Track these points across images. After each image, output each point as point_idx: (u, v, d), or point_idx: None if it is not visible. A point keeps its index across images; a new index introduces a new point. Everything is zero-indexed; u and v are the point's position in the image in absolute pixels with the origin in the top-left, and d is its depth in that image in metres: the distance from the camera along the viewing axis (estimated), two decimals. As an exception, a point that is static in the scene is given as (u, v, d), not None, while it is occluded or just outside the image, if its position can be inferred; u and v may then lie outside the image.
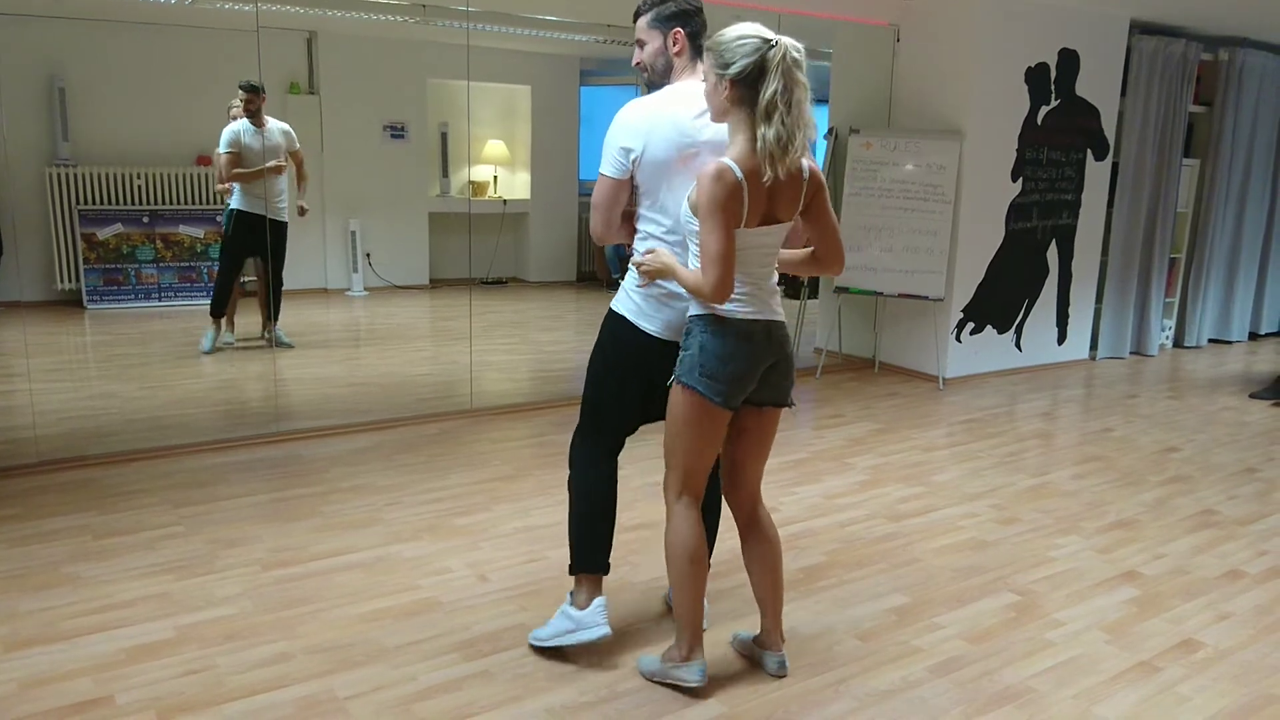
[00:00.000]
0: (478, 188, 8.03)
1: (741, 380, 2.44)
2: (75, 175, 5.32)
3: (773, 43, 2.25)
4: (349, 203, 6.64)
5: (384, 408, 5.18)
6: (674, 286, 2.52)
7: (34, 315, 5.36)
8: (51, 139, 5.24)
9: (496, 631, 2.89)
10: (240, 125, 5.39)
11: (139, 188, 5.50)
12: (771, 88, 2.23)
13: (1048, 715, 2.54)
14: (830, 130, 6.79)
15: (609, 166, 2.52)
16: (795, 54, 2.26)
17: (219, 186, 5.50)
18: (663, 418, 2.67)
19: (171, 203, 5.59)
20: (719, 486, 2.74)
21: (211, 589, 3.11)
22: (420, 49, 6.95)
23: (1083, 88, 6.61)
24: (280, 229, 5.53)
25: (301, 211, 5.70)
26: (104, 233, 5.45)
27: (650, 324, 2.58)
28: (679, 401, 2.47)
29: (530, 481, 4.17)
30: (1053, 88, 6.45)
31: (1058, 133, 6.55)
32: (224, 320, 5.68)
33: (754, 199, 2.30)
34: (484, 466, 4.38)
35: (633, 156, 2.49)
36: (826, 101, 7.00)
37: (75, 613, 2.92)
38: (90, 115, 5.31)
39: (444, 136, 7.59)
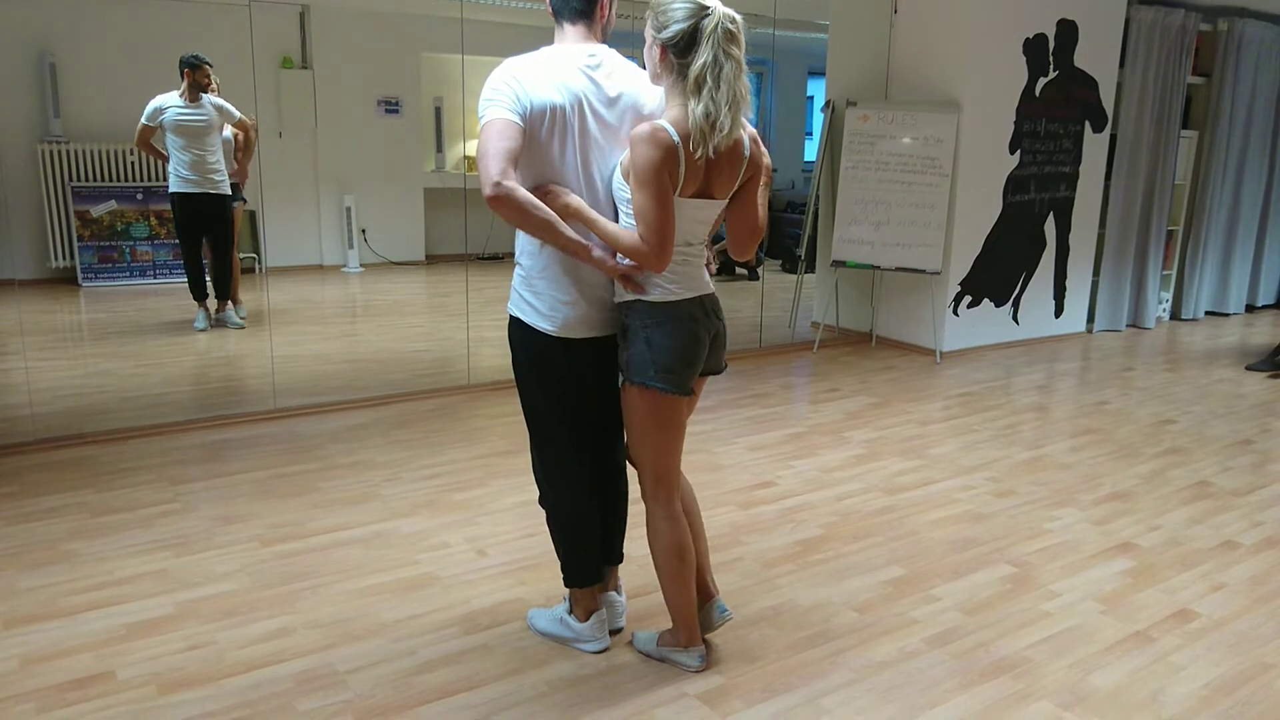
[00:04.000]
0: (473, 163, 7.99)
1: (694, 363, 2.40)
2: (67, 152, 5.28)
3: (708, 11, 2.18)
4: (343, 178, 6.61)
5: (381, 384, 5.18)
6: (559, 267, 2.37)
7: (28, 293, 5.34)
8: (43, 116, 5.21)
9: (495, 605, 2.90)
10: (166, 99, 5.27)
11: (132, 164, 5.47)
12: (701, 60, 2.17)
13: (1043, 685, 2.56)
14: (827, 103, 6.75)
15: None
16: (730, 25, 2.18)
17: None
18: (599, 413, 2.59)
19: (165, 179, 5.55)
20: (620, 458, 2.67)
21: (210, 565, 3.12)
22: (414, 23, 6.91)
23: (1081, 59, 6.57)
24: (220, 202, 5.45)
25: (235, 190, 5.56)
26: (97, 210, 5.42)
27: (549, 324, 2.41)
28: (639, 404, 2.40)
29: (527, 457, 4.16)
30: (1051, 59, 6.41)
31: (1056, 104, 6.52)
32: (208, 301, 5.64)
33: (690, 166, 2.22)
34: (481, 442, 4.38)
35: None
36: (823, 74, 6.96)
37: (74, 590, 2.93)
38: (81, 91, 5.27)
39: (438, 111, 7.55)
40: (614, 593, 2.76)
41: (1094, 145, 6.83)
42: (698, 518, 2.66)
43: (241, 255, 5.86)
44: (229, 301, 5.67)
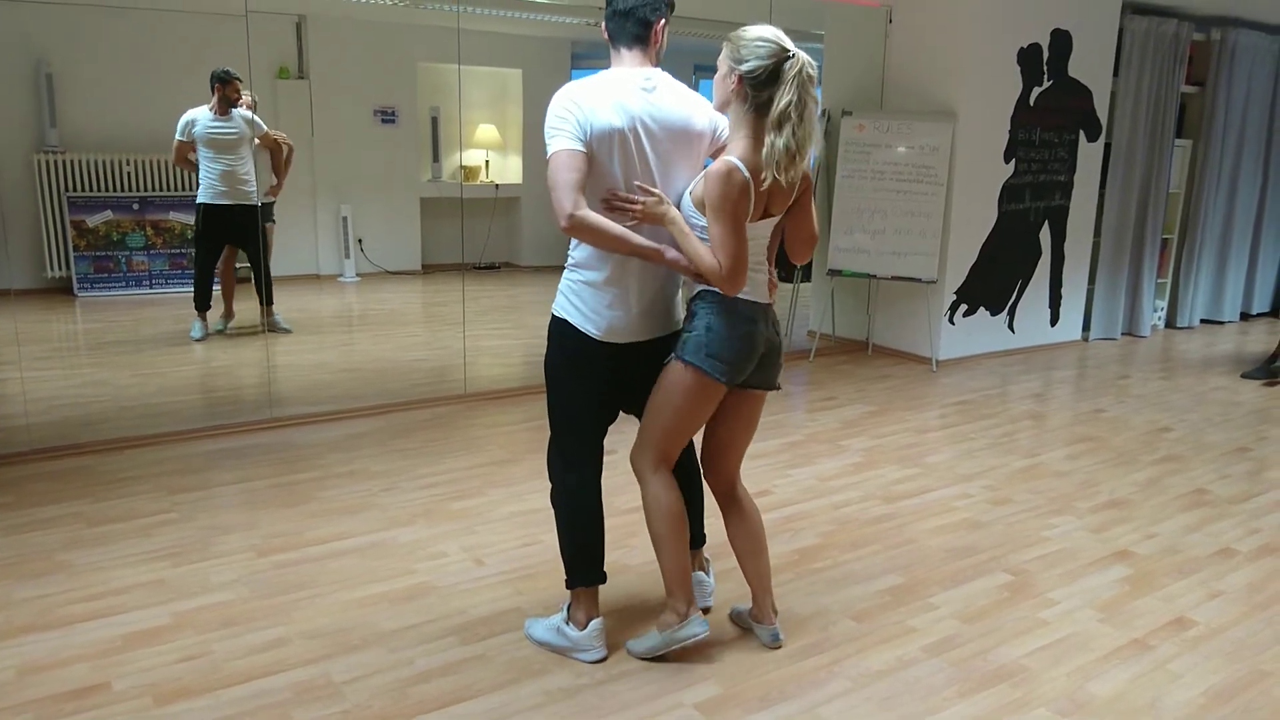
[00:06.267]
0: (469, 172, 8.00)
1: (745, 360, 2.52)
2: (64, 162, 5.28)
3: (791, 54, 2.34)
4: (340, 188, 6.61)
5: (378, 393, 5.18)
6: (610, 277, 2.50)
7: (24, 303, 5.33)
8: (39, 125, 5.20)
9: (492, 615, 2.90)
10: (197, 113, 5.33)
11: (128, 174, 5.47)
12: (786, 99, 2.32)
13: (1041, 693, 2.56)
14: (823, 112, 6.77)
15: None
16: (810, 70, 2.36)
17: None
18: (630, 410, 2.70)
19: (162, 189, 5.56)
20: (693, 457, 2.81)
21: (207, 575, 3.11)
22: (410, 32, 6.92)
23: (1075, 68, 6.60)
24: (252, 212, 5.48)
25: (268, 209, 5.65)
26: (94, 220, 5.42)
27: (594, 327, 2.52)
28: (679, 379, 2.50)
29: (524, 466, 4.18)
30: (1045, 68, 6.43)
31: (1050, 113, 6.54)
32: (208, 312, 5.64)
33: (758, 195, 2.37)
34: (478, 451, 4.38)
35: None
36: (819, 83, 6.97)
37: (70, 600, 2.92)
38: (78, 101, 5.27)
39: (435, 121, 7.55)
40: (701, 573, 2.93)
41: (1088, 154, 6.86)
42: (760, 535, 2.76)
43: (240, 265, 5.86)
44: (272, 307, 5.72)
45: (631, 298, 2.52)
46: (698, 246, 2.40)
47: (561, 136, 2.37)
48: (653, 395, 2.57)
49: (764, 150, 2.33)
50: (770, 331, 2.57)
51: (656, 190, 2.45)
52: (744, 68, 2.34)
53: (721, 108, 2.46)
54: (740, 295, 2.48)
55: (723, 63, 2.40)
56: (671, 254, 2.45)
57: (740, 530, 2.74)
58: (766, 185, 2.36)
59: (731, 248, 2.35)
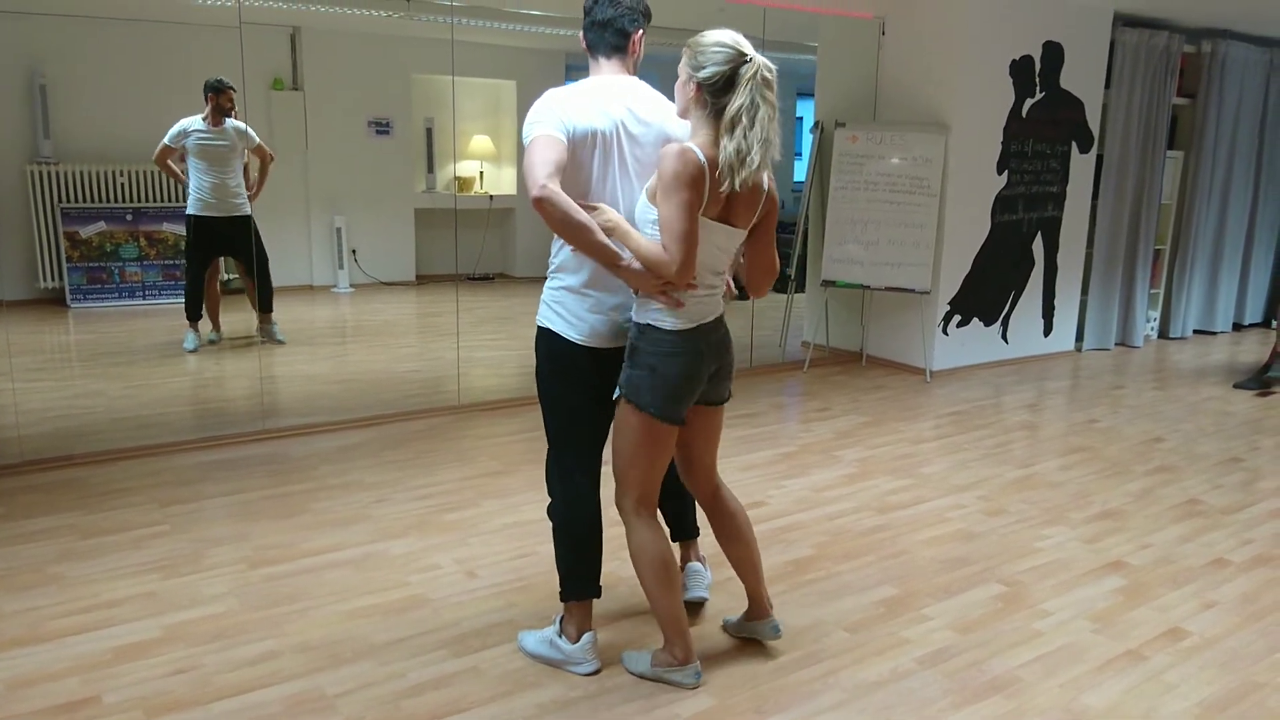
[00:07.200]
0: (464, 183, 8.00)
1: (689, 395, 2.49)
2: (57, 173, 5.28)
3: (748, 58, 2.29)
4: (334, 199, 6.61)
5: (371, 404, 5.17)
6: (588, 281, 2.50)
7: (16, 314, 5.32)
8: (32, 136, 5.20)
9: (485, 628, 2.89)
10: (190, 122, 5.31)
11: (122, 185, 5.46)
12: (738, 102, 2.27)
13: (1036, 704, 2.55)
14: (816, 124, 6.79)
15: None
16: (767, 74, 2.31)
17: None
18: None
19: (155, 200, 5.55)
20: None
21: (199, 587, 3.09)
22: (404, 44, 6.93)
23: (1067, 80, 6.63)
24: (242, 223, 5.47)
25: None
26: (87, 231, 5.41)
27: (575, 332, 2.54)
28: (633, 424, 2.46)
29: (518, 477, 4.17)
30: (1037, 80, 6.46)
31: (1042, 125, 6.57)
32: (200, 323, 5.63)
33: (713, 189, 2.32)
34: (472, 462, 4.37)
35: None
36: (812, 95, 7.00)
37: (62, 612, 2.91)
38: (72, 112, 5.26)
39: (429, 132, 7.56)
40: (697, 563, 3.02)
41: (1081, 165, 6.89)
42: (748, 530, 2.75)
43: (229, 276, 5.85)
44: (270, 315, 5.71)
45: (611, 302, 2.53)
46: (639, 240, 2.34)
47: (544, 125, 2.36)
48: (614, 435, 2.55)
49: (720, 154, 2.28)
50: (719, 352, 2.52)
51: (598, 204, 2.41)
52: (701, 75, 2.30)
53: (682, 114, 2.42)
54: (688, 325, 2.42)
55: (682, 69, 2.37)
56: (630, 263, 2.36)
57: (727, 529, 2.72)
58: (725, 191, 2.30)
59: (681, 229, 2.26)
